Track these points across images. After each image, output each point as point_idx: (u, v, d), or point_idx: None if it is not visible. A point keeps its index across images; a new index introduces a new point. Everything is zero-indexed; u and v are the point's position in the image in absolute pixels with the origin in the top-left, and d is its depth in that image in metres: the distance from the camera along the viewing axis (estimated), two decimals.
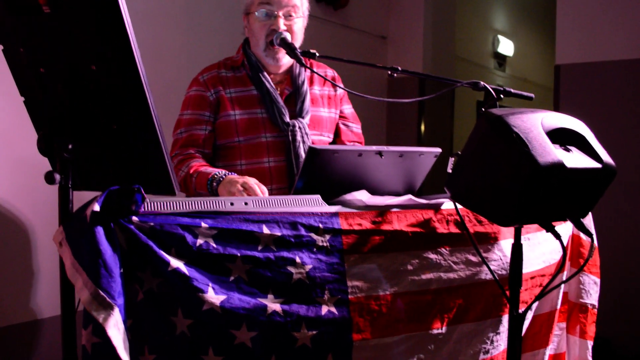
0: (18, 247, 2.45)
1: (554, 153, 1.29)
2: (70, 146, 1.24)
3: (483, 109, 1.93)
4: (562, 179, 1.30)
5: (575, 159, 1.34)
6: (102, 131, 1.30)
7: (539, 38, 7.87)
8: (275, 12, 2.02)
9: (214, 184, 1.83)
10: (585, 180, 1.36)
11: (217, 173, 1.86)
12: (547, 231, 1.38)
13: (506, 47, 7.07)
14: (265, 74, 2.08)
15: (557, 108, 3.84)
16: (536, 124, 1.34)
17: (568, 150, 1.36)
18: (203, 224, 1.26)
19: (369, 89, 4.16)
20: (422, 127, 4.57)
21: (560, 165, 1.28)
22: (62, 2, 1.18)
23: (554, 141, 1.33)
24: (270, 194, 1.90)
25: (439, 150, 1.74)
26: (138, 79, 1.20)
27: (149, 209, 1.25)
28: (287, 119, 2.03)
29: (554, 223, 1.40)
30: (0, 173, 2.37)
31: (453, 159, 1.55)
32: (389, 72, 1.92)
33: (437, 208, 1.56)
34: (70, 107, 1.29)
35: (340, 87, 2.12)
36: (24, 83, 1.34)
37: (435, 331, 1.52)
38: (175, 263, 1.21)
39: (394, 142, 4.59)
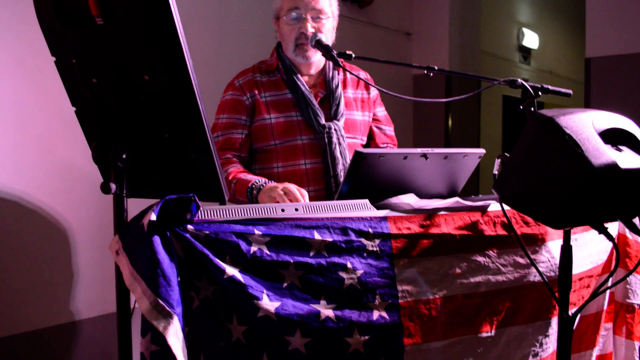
0: (57, 250, 2.49)
1: (608, 154, 1.26)
2: (124, 155, 1.26)
3: (521, 107, 1.91)
4: (615, 180, 1.28)
5: (628, 159, 1.31)
6: (153, 140, 1.31)
7: (564, 30, 7.77)
8: (304, 15, 2.02)
9: (254, 192, 1.84)
10: (637, 179, 1.34)
11: (257, 181, 1.86)
12: (600, 233, 1.36)
13: (531, 40, 6.99)
14: (299, 76, 2.08)
15: (587, 102, 3.78)
16: (588, 125, 1.31)
17: (620, 150, 1.34)
18: (256, 231, 1.27)
19: (395, 88, 4.13)
20: (450, 124, 4.54)
21: (614, 167, 1.25)
22: (115, 13, 1.19)
23: (605, 141, 1.31)
24: (308, 196, 1.91)
25: (482, 151, 1.73)
26: (190, 88, 1.21)
27: (203, 217, 1.26)
28: (323, 121, 2.03)
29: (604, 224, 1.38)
30: (41, 178, 2.41)
31: (499, 160, 1.54)
32: (425, 72, 1.91)
33: (484, 210, 1.55)
34: (122, 116, 1.31)
35: (376, 88, 2.11)
36: (76, 93, 1.35)
37: (484, 334, 1.51)
38: (231, 271, 1.22)
39: (421, 141, 4.56)
